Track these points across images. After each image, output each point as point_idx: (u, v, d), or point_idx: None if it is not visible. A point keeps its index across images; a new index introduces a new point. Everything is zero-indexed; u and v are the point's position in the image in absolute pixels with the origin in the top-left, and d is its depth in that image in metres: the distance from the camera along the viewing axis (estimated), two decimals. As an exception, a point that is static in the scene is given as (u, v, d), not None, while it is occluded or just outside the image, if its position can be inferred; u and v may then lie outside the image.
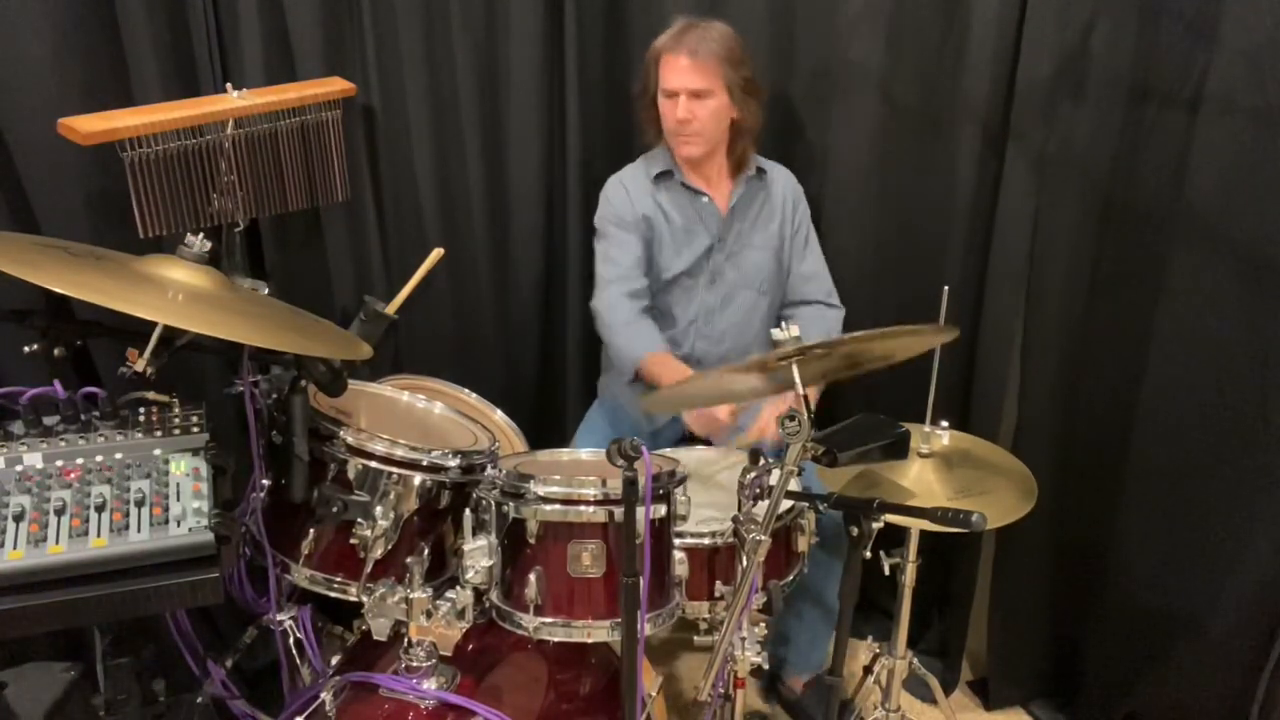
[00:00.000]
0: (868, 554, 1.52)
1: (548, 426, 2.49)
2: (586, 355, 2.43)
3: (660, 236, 2.13)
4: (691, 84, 1.97)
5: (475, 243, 2.32)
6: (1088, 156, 1.94)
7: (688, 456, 2.02)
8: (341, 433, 1.59)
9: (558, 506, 1.50)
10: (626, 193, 2.13)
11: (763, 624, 1.65)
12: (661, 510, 1.54)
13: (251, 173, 1.92)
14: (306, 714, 1.50)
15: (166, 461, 1.41)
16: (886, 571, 1.75)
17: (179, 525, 1.31)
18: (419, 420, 1.90)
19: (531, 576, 1.50)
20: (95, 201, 1.93)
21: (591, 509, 1.50)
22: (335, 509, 1.56)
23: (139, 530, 1.30)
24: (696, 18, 2.02)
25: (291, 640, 1.72)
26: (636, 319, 2.08)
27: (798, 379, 1.56)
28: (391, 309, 1.80)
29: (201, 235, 1.46)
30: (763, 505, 1.56)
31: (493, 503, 1.55)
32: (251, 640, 1.86)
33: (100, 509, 1.31)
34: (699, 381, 1.81)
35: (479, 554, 1.55)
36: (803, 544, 1.79)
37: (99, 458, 1.40)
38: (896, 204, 2.22)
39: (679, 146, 2.07)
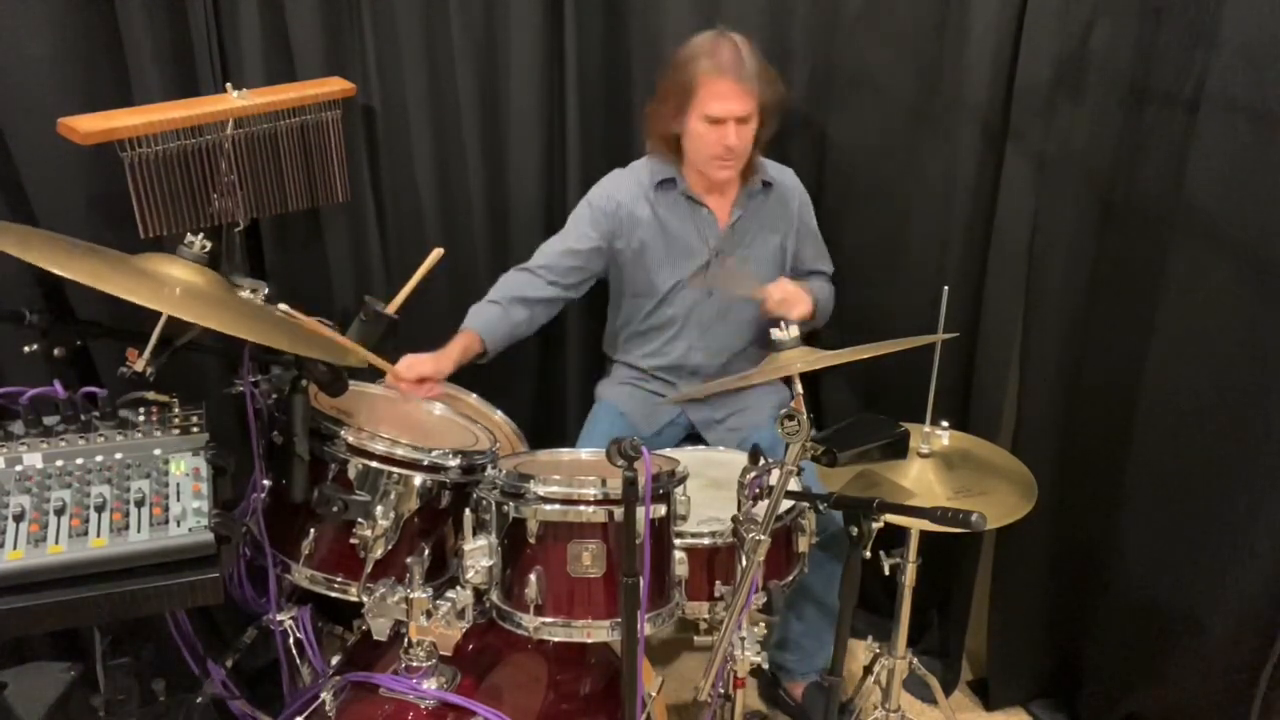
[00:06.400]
0: (868, 554, 1.52)
1: (548, 427, 2.49)
2: (586, 356, 2.43)
3: (651, 245, 2.11)
4: (739, 110, 1.90)
5: (475, 243, 2.32)
6: (1088, 156, 1.93)
7: (688, 457, 2.02)
8: (342, 433, 1.59)
9: (558, 506, 1.50)
10: (618, 189, 2.12)
11: (762, 624, 1.65)
12: (661, 510, 1.54)
13: (251, 173, 1.92)
14: (306, 714, 1.50)
15: (166, 461, 1.41)
16: (886, 571, 1.75)
17: (179, 525, 1.31)
18: (419, 420, 1.90)
19: (531, 576, 1.50)
20: (95, 201, 1.93)
21: (591, 509, 1.50)
22: (335, 509, 1.56)
23: (139, 530, 1.30)
24: (717, 30, 1.96)
25: (291, 640, 1.73)
26: (503, 301, 2.07)
27: (798, 383, 1.57)
28: (391, 309, 1.80)
29: (201, 235, 1.46)
30: (763, 505, 1.56)
31: (493, 503, 1.55)
32: (251, 640, 1.86)
33: (100, 509, 1.31)
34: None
35: (479, 554, 1.55)
36: (803, 544, 1.79)
37: (99, 458, 1.40)
38: (896, 204, 2.22)
39: (716, 171, 2.01)
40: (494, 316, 2.05)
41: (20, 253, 1.25)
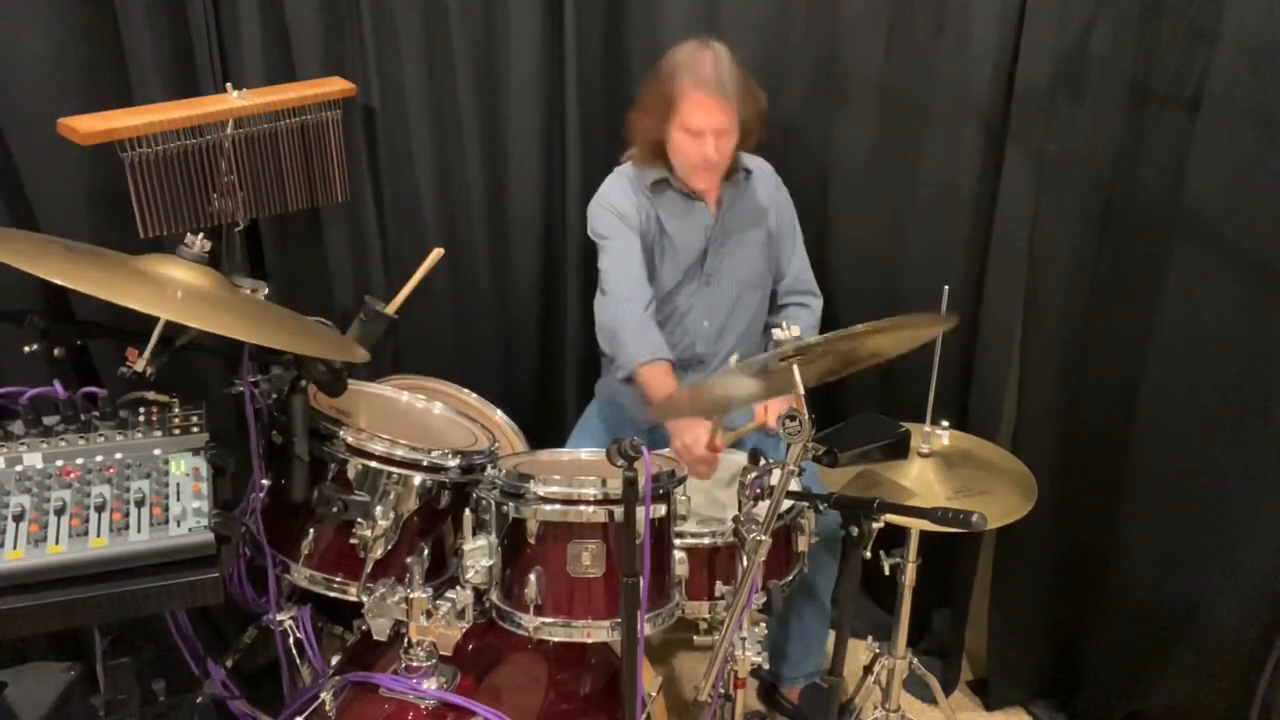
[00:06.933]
0: (867, 554, 1.52)
1: (548, 426, 2.49)
2: (586, 355, 2.43)
3: (656, 244, 2.11)
4: (717, 123, 1.93)
5: (475, 243, 2.32)
6: (1088, 156, 1.93)
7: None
8: (341, 433, 1.59)
9: (558, 506, 1.50)
10: (623, 191, 2.10)
11: (763, 624, 1.65)
12: (661, 510, 1.54)
13: (251, 173, 1.92)
14: (306, 714, 1.51)
15: (166, 461, 1.41)
16: (886, 571, 1.75)
17: (179, 525, 1.31)
18: (419, 420, 1.90)
19: (531, 576, 1.50)
20: (95, 201, 1.93)
21: (591, 509, 1.50)
22: (335, 509, 1.56)
23: (139, 530, 1.30)
24: (700, 39, 1.96)
25: (291, 640, 1.73)
26: (646, 321, 2.03)
27: (798, 379, 1.56)
28: (391, 309, 1.79)
29: (201, 235, 1.46)
30: (763, 505, 1.56)
31: (493, 503, 1.55)
32: (251, 640, 1.86)
33: (100, 509, 1.31)
34: (694, 392, 1.79)
35: (479, 554, 1.55)
36: (803, 544, 1.79)
37: (99, 458, 1.40)
38: (896, 204, 2.22)
39: (696, 180, 2.04)
40: (656, 334, 2.02)
41: (19, 262, 1.24)
